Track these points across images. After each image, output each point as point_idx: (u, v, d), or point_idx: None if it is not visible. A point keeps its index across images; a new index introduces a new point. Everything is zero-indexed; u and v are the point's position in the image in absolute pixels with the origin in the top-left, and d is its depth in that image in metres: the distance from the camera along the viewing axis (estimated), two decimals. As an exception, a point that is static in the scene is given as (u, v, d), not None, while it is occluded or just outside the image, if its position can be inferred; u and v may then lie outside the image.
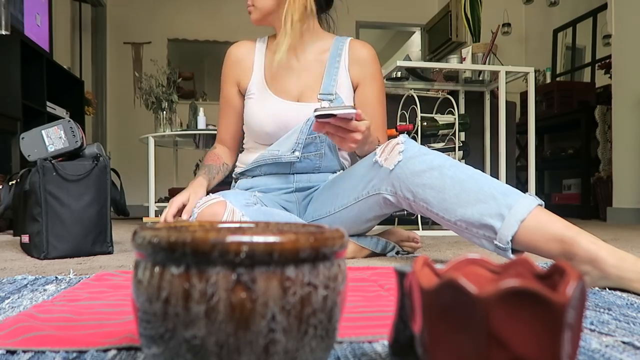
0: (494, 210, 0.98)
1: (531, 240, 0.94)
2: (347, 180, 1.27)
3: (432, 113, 2.55)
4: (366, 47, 1.43)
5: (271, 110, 1.36)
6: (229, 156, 1.51)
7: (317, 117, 1.07)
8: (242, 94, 1.45)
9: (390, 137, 2.65)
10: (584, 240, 0.87)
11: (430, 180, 1.06)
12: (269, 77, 1.41)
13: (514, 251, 0.99)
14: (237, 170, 1.49)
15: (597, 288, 0.87)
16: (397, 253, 1.41)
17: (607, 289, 0.86)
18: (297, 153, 1.33)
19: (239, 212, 1.15)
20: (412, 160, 1.10)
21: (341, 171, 1.43)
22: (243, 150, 1.50)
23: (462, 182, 1.03)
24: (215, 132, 3.17)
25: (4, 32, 3.01)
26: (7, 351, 0.54)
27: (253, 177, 1.42)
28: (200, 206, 1.19)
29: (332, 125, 1.09)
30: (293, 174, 1.39)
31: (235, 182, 1.50)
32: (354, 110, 1.06)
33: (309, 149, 1.35)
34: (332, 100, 1.36)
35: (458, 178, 1.04)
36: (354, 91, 1.42)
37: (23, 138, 1.47)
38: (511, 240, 0.96)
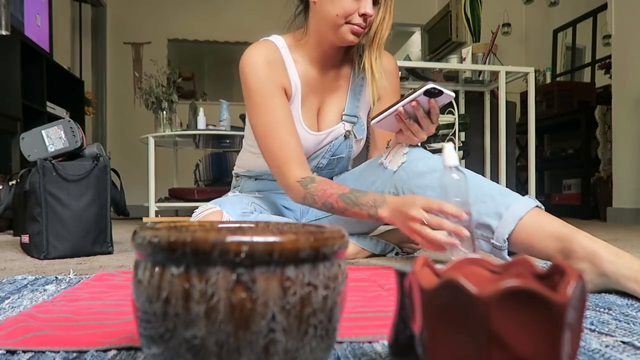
0: (491, 210, 0.97)
1: (527, 238, 0.94)
2: (351, 182, 1.28)
3: (432, 113, 2.54)
4: (389, 57, 1.35)
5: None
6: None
7: (428, 93, 1.03)
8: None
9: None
10: (581, 237, 0.86)
11: (431, 182, 1.07)
12: (303, 94, 1.28)
13: (510, 254, 0.99)
14: (239, 171, 1.48)
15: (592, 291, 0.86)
16: (397, 254, 1.41)
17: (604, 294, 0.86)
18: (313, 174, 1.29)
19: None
20: (415, 163, 1.11)
21: (344, 172, 1.44)
22: (244, 150, 1.46)
23: None
24: (215, 132, 3.16)
25: (4, 32, 3.01)
26: (7, 351, 0.54)
27: (257, 179, 1.43)
28: (196, 216, 1.19)
29: (422, 111, 1.06)
30: None
31: (237, 180, 1.49)
32: (453, 94, 1.04)
33: (324, 169, 1.37)
34: (355, 123, 1.35)
35: None
36: (373, 105, 1.33)
37: (23, 138, 1.47)
38: (508, 239, 0.96)
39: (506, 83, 2.51)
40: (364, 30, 1.21)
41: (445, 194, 0.88)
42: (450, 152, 0.86)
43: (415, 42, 6.44)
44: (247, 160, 1.44)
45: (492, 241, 0.98)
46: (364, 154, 1.47)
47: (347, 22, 1.18)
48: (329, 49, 1.27)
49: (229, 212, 1.18)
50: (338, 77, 1.34)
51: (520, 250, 0.97)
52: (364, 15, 1.17)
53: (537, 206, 0.97)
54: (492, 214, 0.97)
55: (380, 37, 1.22)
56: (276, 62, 1.23)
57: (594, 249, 0.83)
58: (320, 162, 1.34)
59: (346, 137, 1.33)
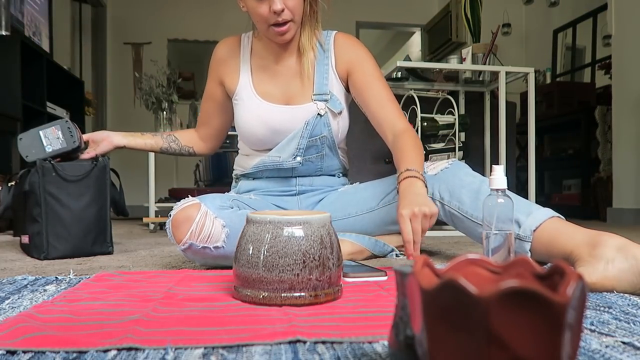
0: (522, 209, 1.09)
1: (555, 232, 1.03)
2: (377, 187, 1.36)
3: (432, 113, 2.54)
4: (349, 37, 1.40)
5: (261, 116, 1.33)
6: (199, 145, 1.53)
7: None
8: (228, 94, 1.42)
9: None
10: (611, 234, 0.94)
11: (469, 185, 1.19)
12: (256, 81, 1.37)
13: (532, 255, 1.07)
14: (237, 172, 1.48)
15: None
16: (397, 256, 1.42)
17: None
18: (298, 158, 1.33)
19: (212, 214, 1.14)
20: (458, 170, 1.23)
21: (355, 184, 1.46)
22: (239, 154, 1.49)
23: None
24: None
25: (4, 33, 3.01)
26: (7, 351, 0.54)
27: (254, 179, 1.42)
28: (176, 209, 1.16)
29: None
30: (295, 177, 1.39)
31: (236, 182, 1.49)
32: (384, 277, 1.00)
33: (309, 152, 1.34)
34: (328, 99, 1.33)
35: None
36: (346, 86, 1.37)
37: (21, 139, 1.46)
38: (533, 232, 1.05)
39: (506, 83, 2.51)
40: (288, 24, 1.22)
41: (489, 215, 0.91)
42: (499, 176, 0.90)
43: (415, 42, 6.43)
44: (240, 160, 1.47)
45: (518, 232, 1.08)
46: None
47: (270, 25, 1.23)
48: (275, 45, 1.34)
49: (207, 205, 1.16)
50: (298, 61, 1.36)
51: (542, 247, 1.05)
52: (276, 13, 1.19)
53: (560, 217, 1.08)
54: (523, 212, 1.09)
55: (307, 16, 1.28)
56: (227, 59, 1.39)
57: (623, 241, 0.90)
58: (300, 143, 1.31)
59: (320, 115, 1.31)
